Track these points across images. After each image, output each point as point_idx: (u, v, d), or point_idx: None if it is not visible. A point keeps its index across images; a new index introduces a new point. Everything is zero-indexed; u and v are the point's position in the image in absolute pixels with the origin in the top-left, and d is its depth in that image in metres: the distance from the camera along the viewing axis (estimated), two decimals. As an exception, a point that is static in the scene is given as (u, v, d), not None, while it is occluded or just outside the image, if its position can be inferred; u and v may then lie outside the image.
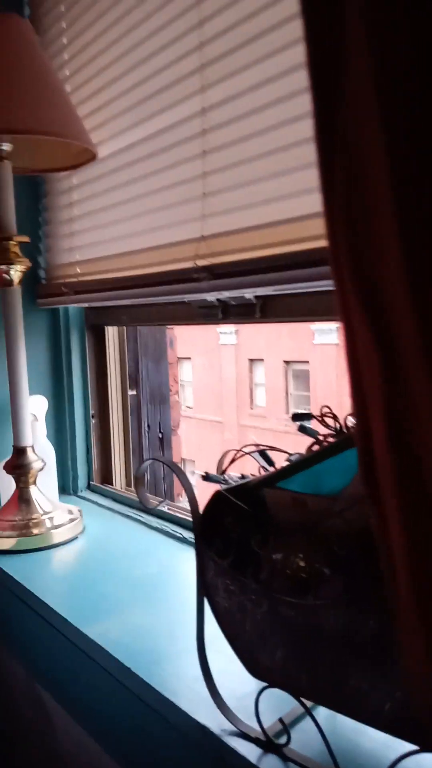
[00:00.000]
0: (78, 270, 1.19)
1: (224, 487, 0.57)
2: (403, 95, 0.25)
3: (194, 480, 0.60)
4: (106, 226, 1.10)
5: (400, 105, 0.25)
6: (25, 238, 1.06)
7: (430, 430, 0.26)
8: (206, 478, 0.63)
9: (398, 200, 0.25)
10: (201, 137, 0.86)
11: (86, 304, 1.23)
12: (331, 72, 0.27)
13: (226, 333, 11.59)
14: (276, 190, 0.77)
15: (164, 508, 1.11)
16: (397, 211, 0.25)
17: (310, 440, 0.55)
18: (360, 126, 0.26)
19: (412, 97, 0.25)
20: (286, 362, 10.87)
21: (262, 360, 11.28)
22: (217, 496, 0.56)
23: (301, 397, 10.72)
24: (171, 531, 1.05)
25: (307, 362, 10.41)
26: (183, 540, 1.01)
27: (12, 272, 1.05)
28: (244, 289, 0.83)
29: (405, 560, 0.30)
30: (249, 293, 0.86)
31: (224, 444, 11.21)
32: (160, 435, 1.44)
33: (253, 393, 11.58)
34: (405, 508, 0.28)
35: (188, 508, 0.58)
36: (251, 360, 11.52)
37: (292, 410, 10.49)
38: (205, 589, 0.56)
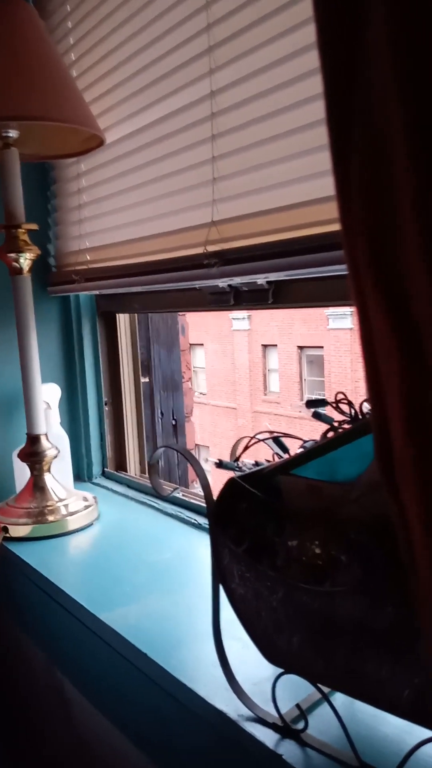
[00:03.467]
0: (88, 257, 1.19)
1: (238, 474, 0.56)
2: (426, 67, 0.24)
3: (208, 467, 0.60)
4: (115, 212, 1.09)
5: (423, 78, 0.24)
6: (34, 226, 1.06)
7: None
8: (219, 465, 0.63)
9: (420, 182, 0.24)
10: (210, 120, 0.85)
11: (97, 292, 1.23)
12: (345, 46, 0.26)
13: (239, 319, 11.56)
14: (287, 174, 0.75)
15: (179, 495, 1.11)
16: (419, 192, 0.24)
17: (325, 426, 0.54)
18: (381, 101, 0.24)
19: None
20: (300, 347, 10.82)
21: (275, 346, 11.24)
22: (230, 484, 0.56)
23: (316, 382, 10.68)
24: (186, 517, 1.05)
25: (321, 347, 10.35)
26: (198, 526, 1.01)
27: (21, 260, 1.04)
28: (255, 274, 0.82)
29: (425, 549, 0.29)
30: (261, 279, 0.85)
31: (238, 430, 11.23)
32: (174, 422, 1.44)
33: (267, 379, 11.56)
34: (424, 497, 0.27)
35: (203, 494, 0.58)
36: (264, 346, 11.48)
37: (307, 396, 10.47)
38: (220, 575, 0.56)
